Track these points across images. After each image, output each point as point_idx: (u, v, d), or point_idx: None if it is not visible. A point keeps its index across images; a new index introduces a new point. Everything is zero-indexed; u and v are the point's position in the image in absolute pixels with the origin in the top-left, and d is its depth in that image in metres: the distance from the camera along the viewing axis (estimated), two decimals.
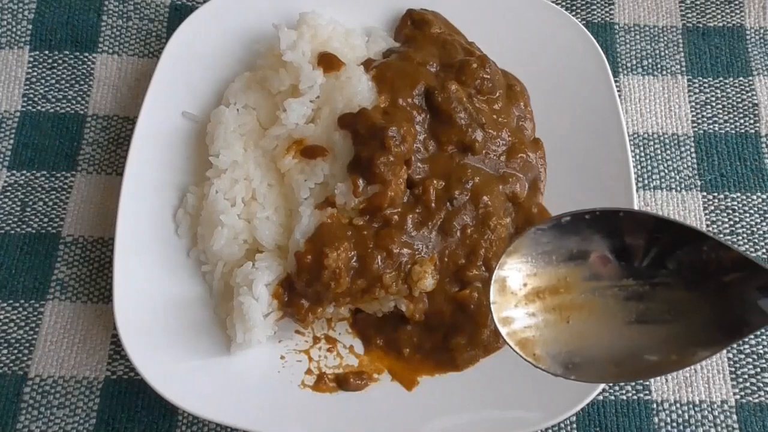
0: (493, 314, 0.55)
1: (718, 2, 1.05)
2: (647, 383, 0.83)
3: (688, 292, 0.53)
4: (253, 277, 0.80)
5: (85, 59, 1.01)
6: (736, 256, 0.50)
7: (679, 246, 0.52)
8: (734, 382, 0.83)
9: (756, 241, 0.91)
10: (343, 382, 0.81)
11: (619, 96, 0.98)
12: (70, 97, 0.98)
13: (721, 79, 1.01)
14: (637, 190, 0.93)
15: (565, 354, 0.55)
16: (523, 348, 0.55)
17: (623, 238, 0.53)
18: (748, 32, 1.03)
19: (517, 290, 0.55)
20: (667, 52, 1.02)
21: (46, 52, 1.00)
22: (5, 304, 0.87)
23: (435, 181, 0.84)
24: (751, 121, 0.98)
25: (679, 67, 1.01)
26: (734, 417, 0.82)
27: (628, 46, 1.03)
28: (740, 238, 0.91)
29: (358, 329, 0.85)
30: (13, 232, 0.90)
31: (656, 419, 0.82)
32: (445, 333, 0.82)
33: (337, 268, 0.78)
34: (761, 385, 0.83)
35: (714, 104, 0.99)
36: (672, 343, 0.53)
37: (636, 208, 0.84)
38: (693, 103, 0.99)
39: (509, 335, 0.55)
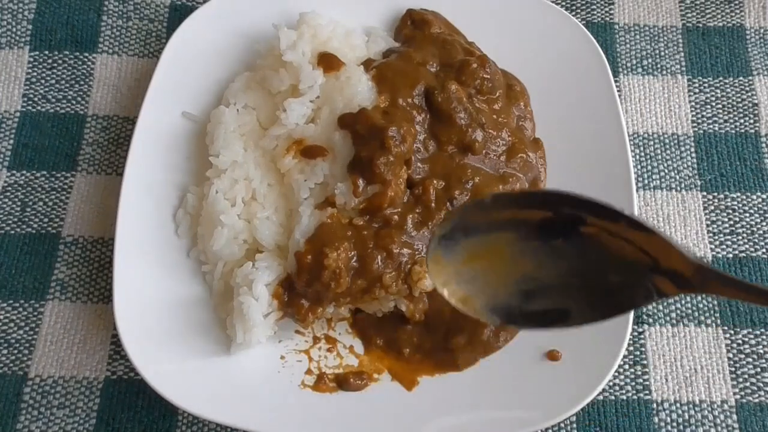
0: (434, 281, 0.59)
1: (718, 2, 1.05)
2: (647, 383, 0.83)
3: (600, 257, 0.57)
4: (253, 277, 0.80)
5: (85, 59, 1.01)
6: (648, 238, 0.54)
7: (598, 217, 0.56)
8: (734, 382, 0.83)
9: (756, 240, 0.91)
10: (343, 382, 0.80)
11: (619, 96, 0.98)
12: (70, 97, 0.98)
13: (721, 78, 1.01)
14: (637, 190, 0.93)
15: (502, 306, 0.59)
16: (464, 304, 0.59)
17: (546, 211, 0.57)
18: (748, 32, 1.04)
19: (454, 259, 0.59)
20: (667, 52, 1.02)
21: (46, 52, 1.00)
22: (5, 304, 0.87)
23: (435, 181, 0.84)
24: (751, 121, 0.98)
25: (679, 67, 1.01)
26: (734, 417, 0.82)
27: (628, 46, 1.03)
28: (740, 237, 0.91)
29: (358, 329, 0.84)
30: (13, 232, 0.90)
31: (656, 419, 0.82)
32: (445, 333, 0.82)
33: (337, 268, 0.78)
34: (761, 385, 0.83)
35: (714, 104, 0.99)
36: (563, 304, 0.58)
37: (634, 206, 0.84)
38: (693, 103, 0.99)
39: (450, 295, 0.59)
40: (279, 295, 0.80)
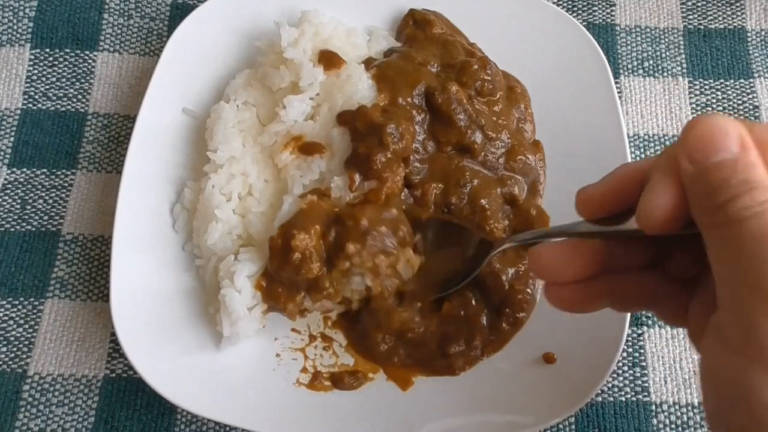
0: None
1: (719, 4, 1.05)
2: (646, 385, 0.83)
3: None
4: (234, 269, 0.80)
5: (86, 57, 1.01)
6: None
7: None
8: None
9: None
10: (338, 381, 0.80)
11: (620, 97, 0.98)
12: (70, 95, 0.98)
13: (722, 81, 1.01)
14: None
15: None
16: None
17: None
18: (749, 34, 1.03)
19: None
20: (668, 53, 1.02)
21: (47, 49, 1.00)
22: (5, 302, 0.87)
23: (434, 185, 0.83)
24: None
25: (680, 68, 1.01)
26: None
27: (629, 47, 1.03)
28: None
29: (351, 347, 0.83)
30: (13, 229, 0.90)
31: (655, 421, 0.82)
32: (439, 343, 0.81)
33: (306, 249, 0.77)
34: None
35: (715, 106, 0.99)
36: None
37: None
38: (694, 105, 0.99)
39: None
40: (261, 286, 0.80)
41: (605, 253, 0.54)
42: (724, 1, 1.05)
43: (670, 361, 0.84)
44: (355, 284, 0.80)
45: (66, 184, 0.93)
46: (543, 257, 0.55)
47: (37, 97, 0.98)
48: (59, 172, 0.94)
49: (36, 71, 1.00)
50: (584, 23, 1.03)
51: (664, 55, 1.02)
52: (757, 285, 0.39)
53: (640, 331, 0.86)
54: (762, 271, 0.38)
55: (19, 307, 0.87)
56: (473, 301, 0.82)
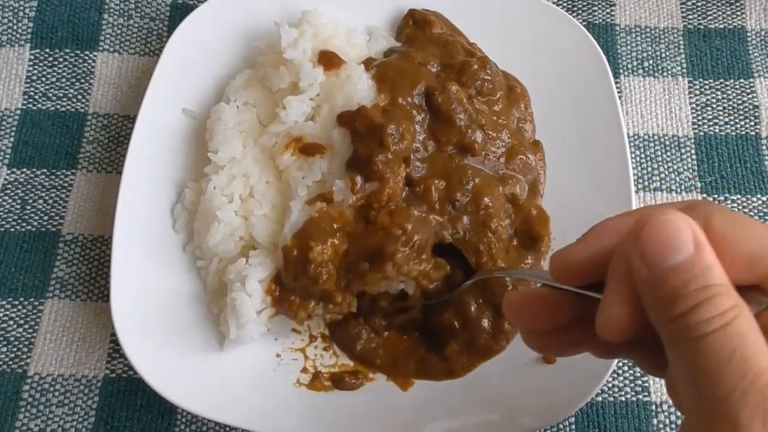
0: None
1: (719, 4, 1.05)
2: (646, 385, 0.83)
3: None
4: (246, 273, 0.80)
5: (86, 57, 1.01)
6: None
7: None
8: None
9: None
10: (339, 381, 0.80)
11: (620, 97, 0.98)
12: (70, 95, 0.98)
13: (721, 80, 1.01)
14: (637, 192, 0.93)
15: None
16: None
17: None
18: (749, 34, 1.03)
19: None
20: (668, 53, 1.02)
21: (47, 50, 1.00)
22: (5, 302, 0.87)
23: (436, 181, 0.83)
24: (752, 123, 0.98)
25: (679, 68, 1.01)
26: None
27: (629, 47, 1.03)
28: None
29: (337, 344, 0.84)
30: (13, 230, 0.91)
31: (655, 420, 0.82)
32: (442, 342, 0.82)
33: (322, 261, 0.77)
34: None
35: (714, 106, 0.99)
36: None
37: (633, 207, 0.84)
38: (693, 105, 0.99)
39: None
40: (272, 291, 0.80)
41: (579, 306, 0.51)
42: (724, 1, 1.05)
43: None
44: (393, 288, 0.81)
45: (66, 185, 0.93)
46: (514, 305, 0.52)
47: (37, 97, 0.98)
48: (59, 172, 0.94)
49: (36, 71, 1.00)
50: (584, 23, 1.03)
51: (664, 55, 1.02)
52: (720, 414, 0.36)
53: None
54: (726, 399, 0.36)
55: (19, 307, 0.87)
56: (472, 308, 0.82)
